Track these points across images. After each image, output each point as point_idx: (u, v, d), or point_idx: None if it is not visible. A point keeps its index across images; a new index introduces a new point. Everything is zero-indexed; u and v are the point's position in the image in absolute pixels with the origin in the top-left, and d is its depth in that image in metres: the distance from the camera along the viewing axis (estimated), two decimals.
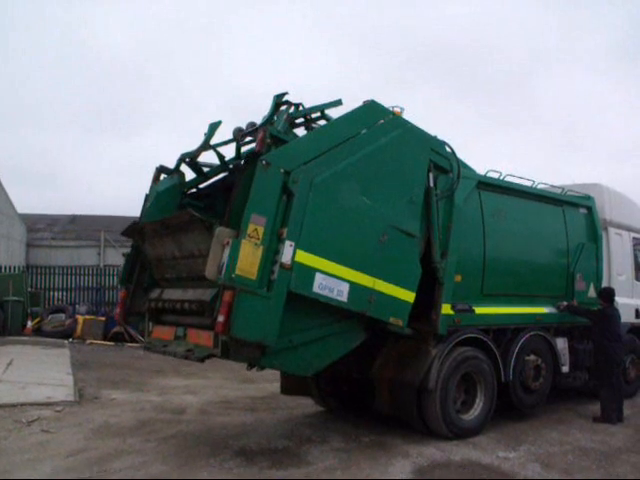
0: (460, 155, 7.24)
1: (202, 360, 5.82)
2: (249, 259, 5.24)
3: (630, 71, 70.78)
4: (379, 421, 7.47)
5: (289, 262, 5.40)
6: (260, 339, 5.30)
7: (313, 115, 6.86)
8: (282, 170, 5.51)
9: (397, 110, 6.69)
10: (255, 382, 11.14)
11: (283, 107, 6.68)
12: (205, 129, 7.02)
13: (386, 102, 6.61)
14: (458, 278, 7.01)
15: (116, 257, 23.84)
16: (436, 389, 6.66)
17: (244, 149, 7.10)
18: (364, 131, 6.25)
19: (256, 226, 5.30)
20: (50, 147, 65.32)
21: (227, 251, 5.20)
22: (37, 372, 11.05)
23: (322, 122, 6.90)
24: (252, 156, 5.75)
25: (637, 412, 8.75)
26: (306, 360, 5.89)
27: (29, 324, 17.79)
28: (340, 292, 5.77)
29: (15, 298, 17.66)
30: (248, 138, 6.87)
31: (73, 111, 73.43)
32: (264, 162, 5.42)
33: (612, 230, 9.79)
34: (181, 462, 5.98)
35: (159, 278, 6.98)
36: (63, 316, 18.65)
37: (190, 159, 7.12)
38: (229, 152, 7.20)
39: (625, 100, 66.43)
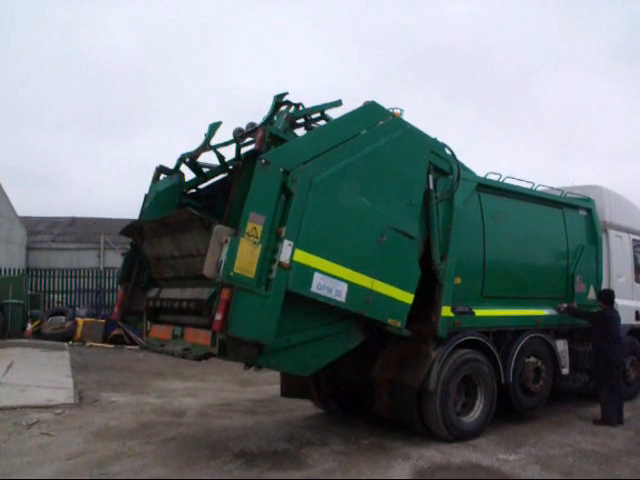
0: (460, 156, 7.28)
1: (199, 359, 5.81)
2: (247, 257, 5.24)
3: (630, 71, 71.01)
4: (379, 423, 7.46)
5: (287, 261, 5.40)
6: (258, 338, 5.29)
7: (313, 115, 6.86)
8: (281, 169, 5.51)
9: (397, 112, 6.70)
10: (255, 384, 11.14)
11: (283, 107, 6.68)
12: (205, 129, 7.02)
13: (386, 102, 6.64)
14: (458, 280, 7.01)
15: (116, 259, 23.83)
16: (436, 391, 6.66)
17: (244, 150, 7.10)
18: (364, 132, 6.25)
19: (255, 225, 5.30)
20: (50, 148, 65.57)
21: (225, 249, 5.19)
22: (37, 375, 11.04)
23: (322, 122, 6.91)
24: (252, 155, 5.74)
25: (637, 414, 8.74)
26: (304, 360, 5.89)
27: (29, 327, 17.77)
28: (338, 292, 5.77)
29: (15, 301, 17.63)
30: (248, 139, 6.86)
31: (73, 112, 73.68)
32: (263, 161, 5.43)
33: (612, 232, 9.79)
34: (181, 465, 5.98)
35: (158, 277, 6.97)
36: (63, 319, 18.63)
37: (190, 159, 7.12)
38: (229, 154, 7.21)
39: (625, 100, 66.67)
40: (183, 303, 6.14)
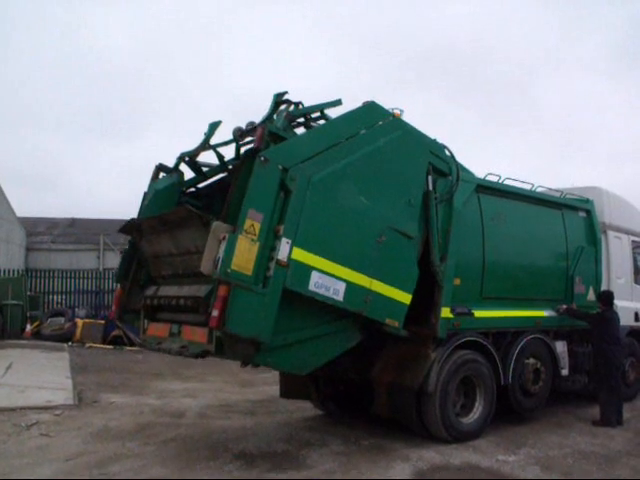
0: (460, 157, 7.28)
1: (196, 356, 5.80)
2: (245, 255, 5.23)
3: (630, 71, 71.07)
4: (378, 424, 7.46)
5: (285, 259, 5.39)
6: (254, 335, 5.27)
7: (313, 115, 6.86)
8: (280, 167, 5.51)
9: (397, 112, 6.70)
10: (254, 385, 11.14)
11: (283, 106, 6.69)
12: (205, 129, 7.03)
13: (386, 103, 6.65)
14: (457, 281, 7.01)
15: (115, 260, 23.80)
16: (435, 392, 6.66)
17: (244, 149, 7.09)
18: (363, 131, 6.26)
19: (253, 222, 5.29)
20: (50, 148, 65.57)
21: (223, 246, 5.18)
22: (36, 376, 11.03)
23: (322, 122, 6.91)
24: (251, 152, 5.73)
25: (637, 415, 8.75)
26: (301, 359, 5.87)
27: (28, 328, 17.77)
28: (336, 291, 5.76)
29: (14, 302, 17.63)
30: (248, 138, 6.85)
31: (73, 112, 73.75)
32: (262, 158, 5.43)
33: (611, 233, 9.80)
34: (181, 465, 5.98)
35: (155, 275, 6.96)
36: (62, 319, 18.63)
37: (189, 158, 7.11)
38: (229, 154, 7.21)
39: (625, 100, 66.71)
40: (180, 300, 6.12)
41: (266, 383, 10.98)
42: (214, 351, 5.52)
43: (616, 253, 9.83)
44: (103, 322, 17.88)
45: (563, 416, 8.60)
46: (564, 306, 8.46)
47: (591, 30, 74.80)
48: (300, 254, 5.50)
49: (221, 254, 5.17)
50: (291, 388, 8.22)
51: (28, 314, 18.41)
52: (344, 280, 5.81)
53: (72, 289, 22.54)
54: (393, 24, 74.78)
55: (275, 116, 6.61)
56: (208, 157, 7.21)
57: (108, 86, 68.12)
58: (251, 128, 6.65)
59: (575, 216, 9.08)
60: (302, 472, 5.85)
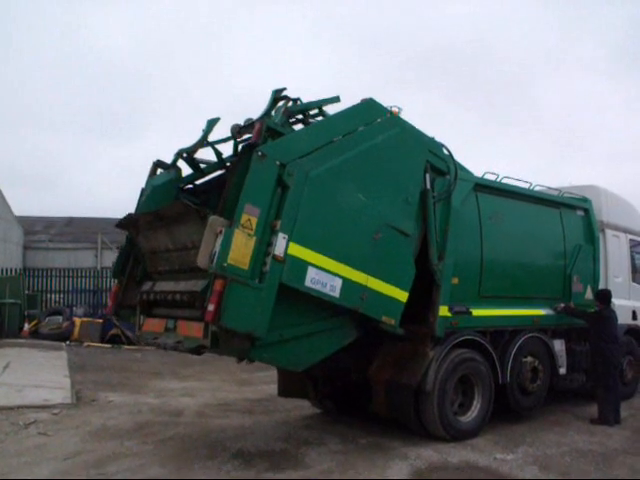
0: (460, 156, 7.27)
1: (191, 351, 5.79)
2: (241, 249, 5.22)
3: (630, 72, 71.14)
4: (376, 423, 7.47)
5: (282, 254, 5.38)
6: (250, 330, 5.25)
7: (311, 112, 6.86)
8: (278, 162, 5.50)
9: (395, 110, 6.69)
10: (253, 384, 11.14)
11: (281, 102, 6.69)
12: (203, 126, 7.01)
13: (386, 102, 6.64)
14: (455, 280, 7.02)
15: (113, 259, 23.77)
16: (433, 391, 6.67)
17: (241, 145, 7.06)
18: (361, 128, 6.26)
19: (249, 216, 5.28)
20: (48, 148, 65.55)
21: (220, 240, 5.16)
22: (34, 375, 11.02)
23: (320, 119, 6.90)
24: (248, 147, 5.72)
25: (634, 414, 8.76)
26: (296, 355, 5.86)
27: (26, 326, 17.72)
28: (333, 287, 5.75)
29: (12, 300, 17.59)
30: (246, 135, 6.84)
31: (73, 112, 73.68)
32: (260, 153, 5.42)
33: (609, 232, 9.81)
34: (179, 464, 5.97)
35: (152, 271, 6.94)
36: (60, 318, 18.58)
37: (187, 155, 7.09)
38: (227, 151, 7.20)
39: (625, 101, 66.78)
40: (176, 295, 6.10)
41: (264, 382, 10.98)
42: (209, 346, 5.49)
43: (614, 252, 9.85)
44: (101, 321, 17.84)
45: (561, 414, 8.61)
46: (562, 305, 8.47)
47: (591, 30, 74.94)
48: (297, 249, 5.49)
49: (217, 248, 5.15)
50: (289, 387, 8.22)
51: (26, 313, 18.36)
52: (340, 276, 5.81)
53: (70, 288, 22.49)
54: (393, 24, 74.85)
55: (273, 112, 6.60)
56: (206, 154, 7.21)
57: (108, 86, 68.14)
58: (249, 124, 6.64)
59: (573, 215, 9.09)
60: (300, 471, 5.85)
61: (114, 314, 7.37)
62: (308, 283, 5.58)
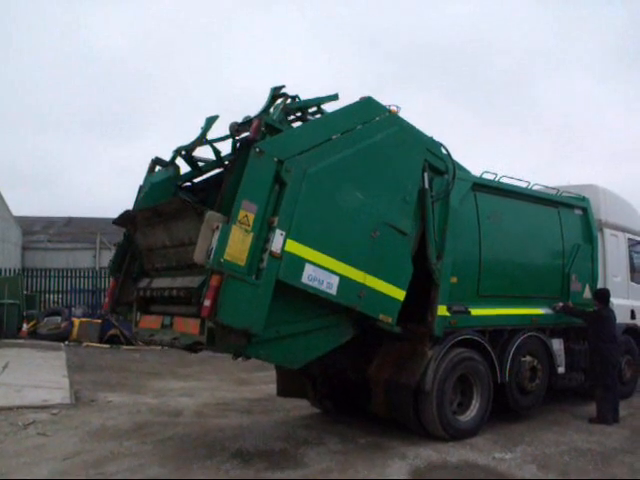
0: (459, 156, 7.28)
1: (188, 348, 5.78)
2: (238, 245, 5.21)
3: (629, 71, 71.20)
4: (375, 423, 7.47)
5: (279, 251, 5.38)
6: (246, 327, 5.24)
7: (310, 110, 6.85)
8: (275, 159, 5.49)
9: (394, 108, 6.68)
10: (251, 384, 11.15)
11: (280, 99, 6.68)
12: (202, 124, 7.00)
13: (385, 102, 6.63)
14: (454, 279, 7.02)
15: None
16: (432, 390, 6.68)
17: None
18: (360, 126, 6.26)
19: (247, 213, 5.27)
20: (48, 148, 65.49)
21: (216, 235, 5.15)
22: (33, 375, 11.01)
23: (318, 117, 6.90)
24: (246, 143, 5.71)
25: (633, 413, 8.78)
26: (293, 352, 5.84)
27: (25, 327, 17.70)
28: (330, 285, 5.74)
29: (11, 301, 17.56)
30: (244, 133, 6.84)
31: (73, 112, 73.58)
32: (258, 150, 5.41)
33: (607, 231, 9.82)
34: (178, 464, 5.97)
35: (149, 268, 6.93)
36: (59, 319, 18.54)
37: (186, 152, 7.08)
38: (226, 150, 7.19)
39: (624, 100, 66.84)
40: (173, 292, 6.09)
41: (263, 382, 10.99)
42: (206, 342, 5.48)
43: (612, 251, 9.86)
44: (100, 321, 17.81)
45: (559, 414, 8.62)
46: (560, 304, 8.48)
47: (591, 30, 74.94)
48: (294, 246, 5.49)
49: (214, 244, 5.14)
50: (288, 386, 8.22)
51: (24, 313, 18.34)
52: (338, 274, 5.80)
53: (69, 288, 22.45)
54: (393, 24, 74.85)
55: (272, 109, 6.60)
56: (205, 152, 7.21)
57: (108, 86, 68.07)
58: (247, 121, 6.63)
59: (571, 214, 9.10)
60: (299, 471, 5.85)
61: (111, 311, 7.37)
62: (305, 280, 5.57)
